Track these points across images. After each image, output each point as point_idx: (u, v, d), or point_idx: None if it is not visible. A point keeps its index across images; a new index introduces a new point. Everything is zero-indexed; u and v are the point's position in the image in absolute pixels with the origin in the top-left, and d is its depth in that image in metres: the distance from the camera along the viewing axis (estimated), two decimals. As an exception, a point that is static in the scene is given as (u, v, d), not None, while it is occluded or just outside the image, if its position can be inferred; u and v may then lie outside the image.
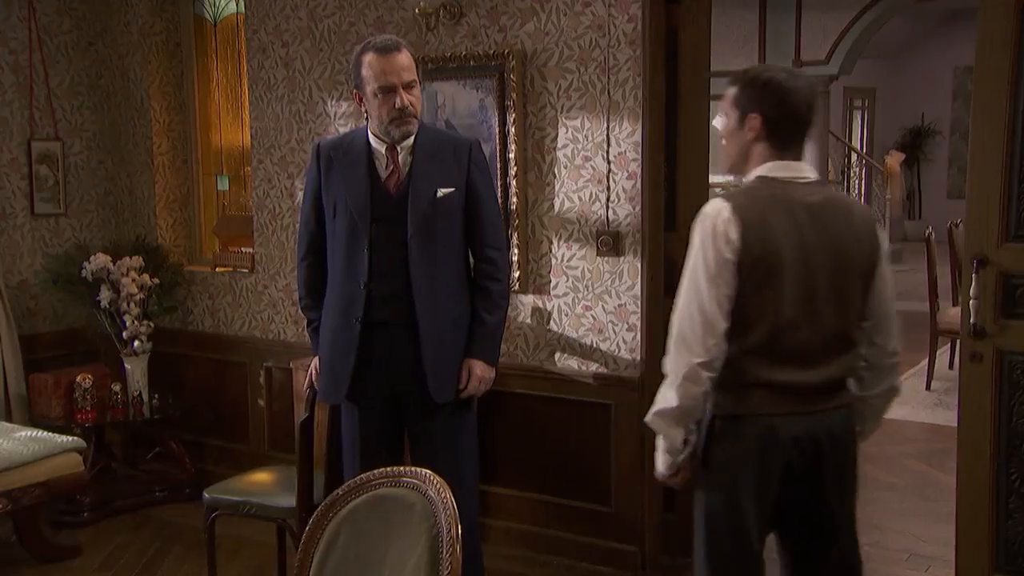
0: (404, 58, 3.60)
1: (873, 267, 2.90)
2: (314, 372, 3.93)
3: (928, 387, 7.81)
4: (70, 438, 5.00)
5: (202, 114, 6.21)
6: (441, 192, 3.68)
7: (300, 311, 4.10)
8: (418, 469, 2.47)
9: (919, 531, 5.19)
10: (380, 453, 3.77)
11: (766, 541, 2.94)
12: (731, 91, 2.90)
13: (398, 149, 3.69)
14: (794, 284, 2.78)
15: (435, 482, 2.41)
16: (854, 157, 17.34)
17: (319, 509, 2.56)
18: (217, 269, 5.98)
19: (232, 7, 6.01)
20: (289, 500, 4.01)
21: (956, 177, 17.34)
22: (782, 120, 2.83)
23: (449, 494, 2.38)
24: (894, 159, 16.23)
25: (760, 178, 2.86)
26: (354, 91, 3.75)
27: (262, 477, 4.36)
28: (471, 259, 3.85)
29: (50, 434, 4.99)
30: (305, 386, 4.02)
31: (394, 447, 3.84)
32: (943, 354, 8.23)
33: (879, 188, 16.80)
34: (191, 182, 6.25)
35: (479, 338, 3.76)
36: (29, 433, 4.97)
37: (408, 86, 3.61)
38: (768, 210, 2.79)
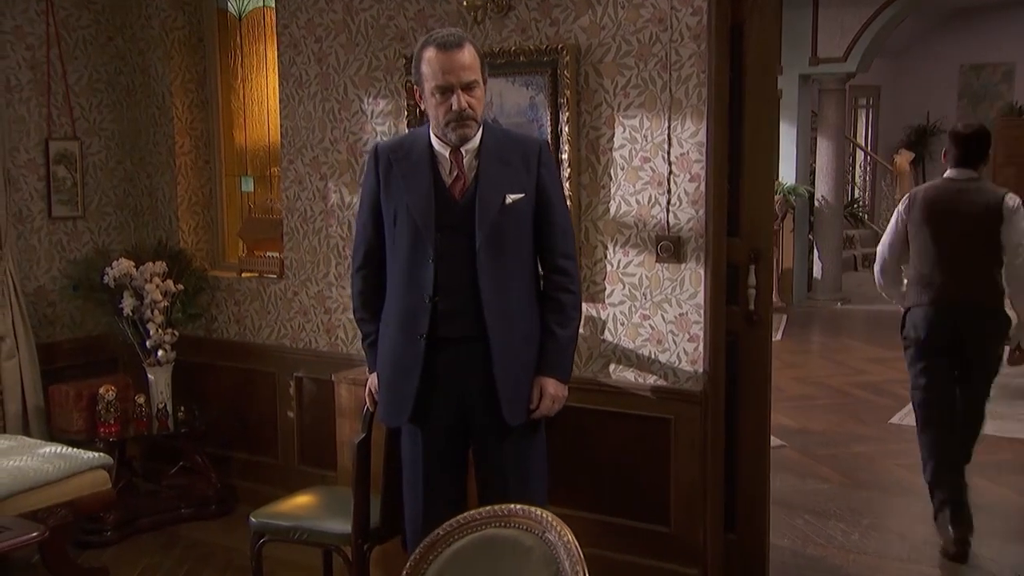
0: (466, 56, 3.35)
1: (994, 225, 4.87)
2: (373, 390, 3.68)
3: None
4: (96, 454, 4.73)
5: (225, 112, 5.94)
6: (510, 198, 3.43)
7: (356, 325, 3.83)
8: (531, 508, 2.24)
9: (1004, 557, 4.93)
10: (444, 477, 3.56)
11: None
12: None
13: (462, 152, 3.44)
14: (937, 232, 5.00)
15: (554, 524, 2.18)
16: (859, 155, 17.19)
17: (418, 550, 2.32)
18: (243, 274, 5.71)
19: (259, 0, 5.75)
20: (343, 525, 3.75)
21: (963, 176, 17.14)
22: (951, 150, 5.07)
23: (571, 536, 2.15)
24: (903, 158, 16.02)
25: (943, 177, 5.11)
26: (413, 87, 3.50)
27: (307, 500, 4.10)
28: (539, 269, 3.61)
29: (75, 450, 4.72)
30: (366, 406, 3.76)
31: (458, 470, 3.60)
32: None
33: (887, 187, 16.64)
34: (213, 183, 5.99)
35: (551, 353, 3.51)
36: (53, 449, 4.71)
37: (468, 87, 3.35)
38: (930, 194, 5.10)
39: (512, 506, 2.25)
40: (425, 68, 3.37)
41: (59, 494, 4.49)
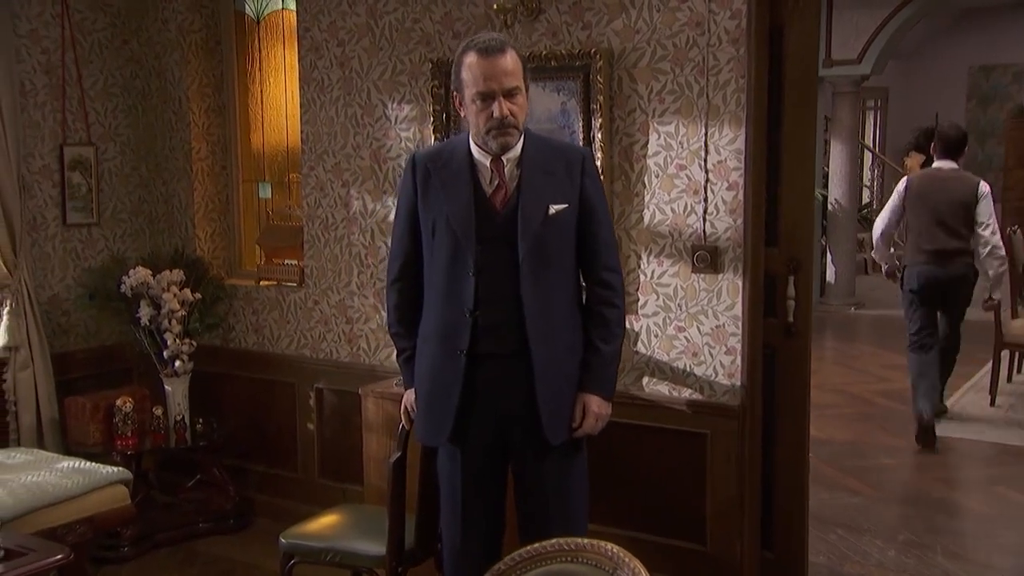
0: (508, 61, 3.23)
1: (970, 204, 6.63)
2: (409, 407, 3.55)
3: (992, 403, 7.46)
4: (115, 469, 4.61)
5: (242, 117, 5.82)
6: (553, 209, 3.31)
7: (391, 339, 3.69)
8: (603, 544, 2.11)
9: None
10: (483, 498, 3.44)
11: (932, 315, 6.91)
12: None
13: (503, 161, 3.32)
14: (928, 210, 6.69)
15: (626, 560, 2.05)
16: (867, 158, 17.06)
17: (478, 587, 2.19)
18: (261, 283, 5.59)
19: (277, 3, 5.63)
20: (376, 547, 3.63)
21: (972, 178, 17.04)
22: (935, 147, 6.84)
23: (646, 573, 2.01)
24: (914, 160, 15.87)
25: (930, 167, 6.90)
26: (453, 94, 3.38)
27: (335, 519, 3.98)
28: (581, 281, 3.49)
29: (94, 465, 4.59)
30: (401, 423, 3.63)
31: (498, 490, 3.47)
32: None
33: (897, 190, 16.49)
34: (230, 189, 5.87)
35: (595, 370, 3.39)
36: (71, 464, 4.58)
37: (510, 93, 3.23)
38: (922, 180, 6.84)
39: (581, 540, 2.13)
40: (465, 74, 3.25)
41: (78, 510, 4.37)
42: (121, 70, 5.69)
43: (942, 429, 6.96)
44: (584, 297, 3.48)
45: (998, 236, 6.71)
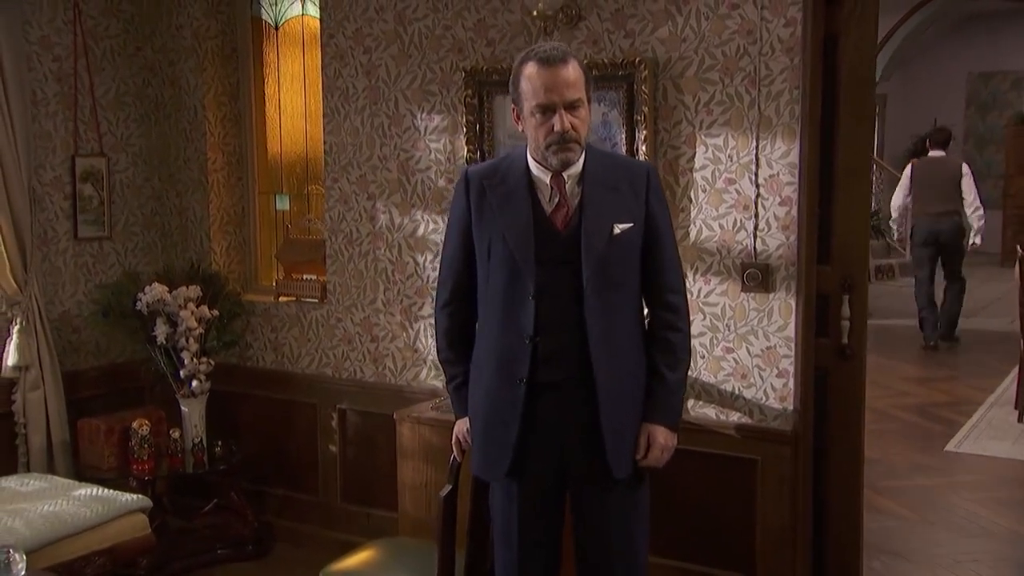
0: (571, 72, 3.04)
1: (956, 179, 9.66)
2: (461, 438, 3.35)
3: (1020, 418, 7.30)
4: (135, 496, 4.40)
5: (259, 127, 5.61)
6: (618, 228, 3.12)
7: (440, 365, 3.48)
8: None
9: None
10: (540, 533, 3.25)
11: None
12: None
13: (564, 177, 3.13)
14: (928, 184, 9.76)
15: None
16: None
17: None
18: (280, 298, 5.38)
19: (296, 9, 5.43)
20: (425, 584, 3.43)
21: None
22: (930, 140, 10.10)
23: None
24: (916, 168, 15.81)
25: (928, 155, 10.05)
26: (511, 106, 3.19)
27: (373, 555, 3.76)
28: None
29: (112, 492, 4.38)
30: (453, 454, 3.43)
31: (555, 524, 3.27)
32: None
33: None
34: (246, 201, 5.66)
35: (660, 399, 3.20)
36: (88, 491, 4.36)
37: (572, 105, 3.04)
38: (923, 165, 9.99)
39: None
40: (525, 85, 3.06)
41: (98, 540, 4.17)
42: (134, 78, 5.47)
43: (970, 446, 6.82)
44: (647, 320, 3.29)
45: (978, 200, 9.61)
